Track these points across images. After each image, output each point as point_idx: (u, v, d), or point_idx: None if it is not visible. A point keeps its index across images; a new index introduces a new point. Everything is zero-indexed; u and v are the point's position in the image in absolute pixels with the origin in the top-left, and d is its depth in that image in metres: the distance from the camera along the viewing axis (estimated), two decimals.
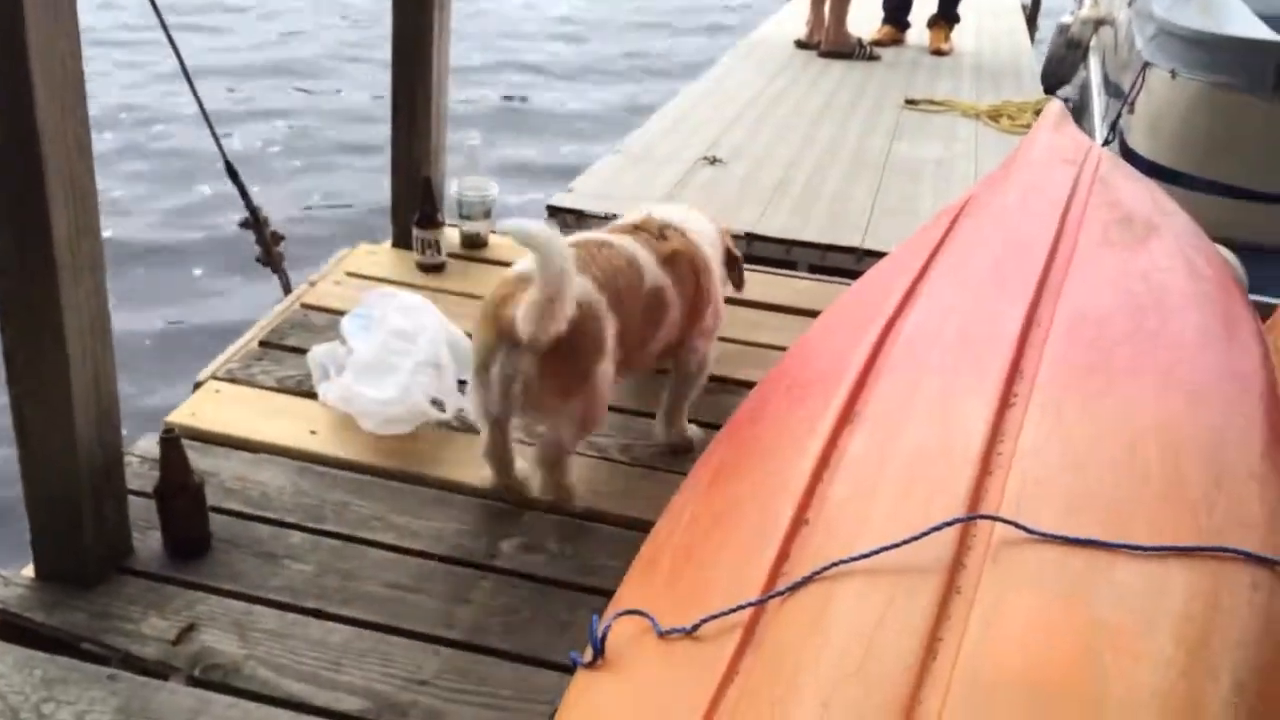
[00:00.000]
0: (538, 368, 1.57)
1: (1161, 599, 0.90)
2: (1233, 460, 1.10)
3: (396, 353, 1.90)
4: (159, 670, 1.39)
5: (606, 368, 1.66)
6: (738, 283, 2.07)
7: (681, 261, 1.83)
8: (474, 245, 2.62)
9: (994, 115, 4.27)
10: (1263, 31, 3.39)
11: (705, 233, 1.95)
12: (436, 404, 1.87)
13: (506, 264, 2.45)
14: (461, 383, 1.89)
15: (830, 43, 4.97)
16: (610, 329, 1.65)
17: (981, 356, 1.32)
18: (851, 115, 4.25)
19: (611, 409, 1.81)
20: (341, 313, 2.06)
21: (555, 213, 3.16)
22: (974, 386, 1.25)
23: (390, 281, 2.33)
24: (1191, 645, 0.86)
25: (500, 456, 1.73)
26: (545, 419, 1.70)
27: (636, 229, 1.85)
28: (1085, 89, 5.39)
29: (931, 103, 4.42)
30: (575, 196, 3.24)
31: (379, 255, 2.56)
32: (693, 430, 1.94)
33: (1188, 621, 0.88)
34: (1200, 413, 1.17)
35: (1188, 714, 0.81)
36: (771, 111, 4.26)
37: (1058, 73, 5.59)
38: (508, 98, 6.27)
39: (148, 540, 1.60)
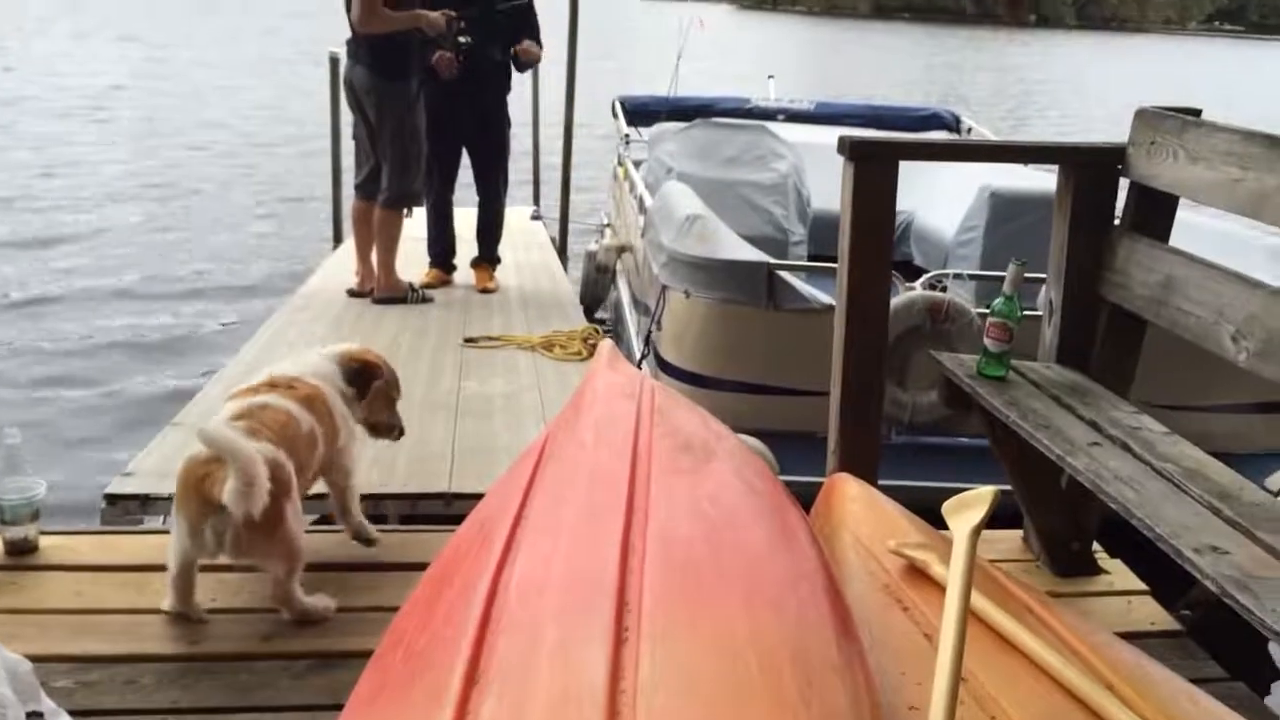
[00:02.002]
0: (244, 525, 1.97)
1: None
2: (815, 657, 1.27)
3: None
4: None
5: (295, 505, 2.11)
6: (361, 393, 2.45)
7: (317, 402, 2.29)
8: (21, 552, 2.35)
9: (548, 346, 4.61)
10: (751, 254, 4.02)
11: (324, 372, 2.38)
12: None
13: (63, 568, 2.25)
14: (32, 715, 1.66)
15: (383, 289, 5.14)
16: (291, 473, 2.09)
17: (590, 596, 1.41)
18: (417, 358, 4.38)
19: None
20: None
21: (116, 501, 2.91)
22: (588, 628, 1.33)
23: None
24: None
25: (185, 588, 2.12)
26: (255, 560, 2.12)
27: (272, 386, 2.26)
28: (619, 307, 6.01)
29: (489, 339, 4.69)
30: (138, 480, 3.00)
31: None
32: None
33: None
34: (783, 618, 1.34)
35: None
36: None
37: (592, 294, 6.22)
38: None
39: None
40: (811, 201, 5.64)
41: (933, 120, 7.55)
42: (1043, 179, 5.94)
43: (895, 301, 3.65)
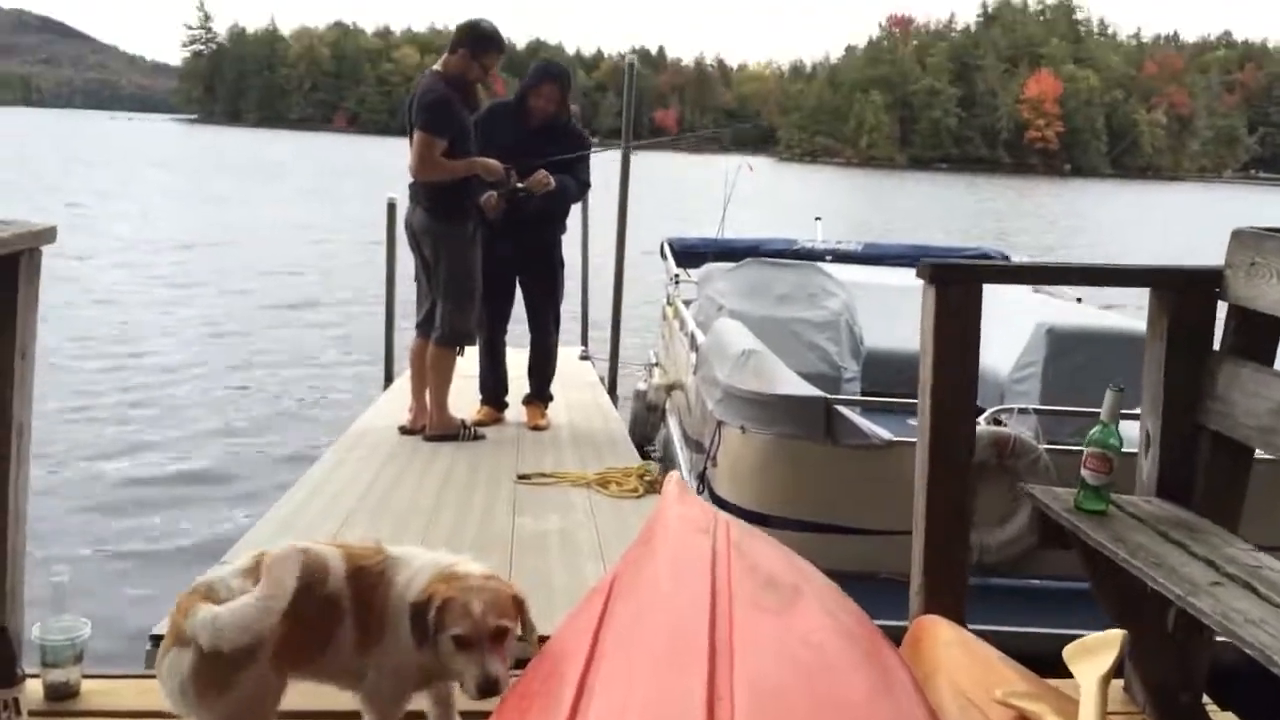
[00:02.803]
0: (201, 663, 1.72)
1: None
2: None
3: None
4: None
5: (262, 672, 1.76)
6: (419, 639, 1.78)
7: (368, 584, 1.85)
8: (62, 697, 2.23)
9: (603, 482, 4.51)
10: (807, 388, 3.94)
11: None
12: None
13: (104, 714, 2.13)
14: None
15: (435, 426, 5.09)
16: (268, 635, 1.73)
17: None
18: (470, 495, 4.30)
19: None
20: None
21: (161, 641, 2.79)
22: None
23: None
24: None
25: None
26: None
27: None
28: (669, 444, 5.91)
29: (543, 475, 4.59)
30: None
31: None
32: None
33: None
34: None
35: None
36: (389, 500, 4.21)
37: (641, 432, 6.13)
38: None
39: None
40: (864, 339, 5.58)
41: (981, 260, 7.54)
42: (1096, 315, 5.88)
43: None
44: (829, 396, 3.84)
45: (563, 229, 5.58)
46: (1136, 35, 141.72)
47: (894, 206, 39.93)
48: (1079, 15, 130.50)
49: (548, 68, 5.41)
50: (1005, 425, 3.81)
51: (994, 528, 3.59)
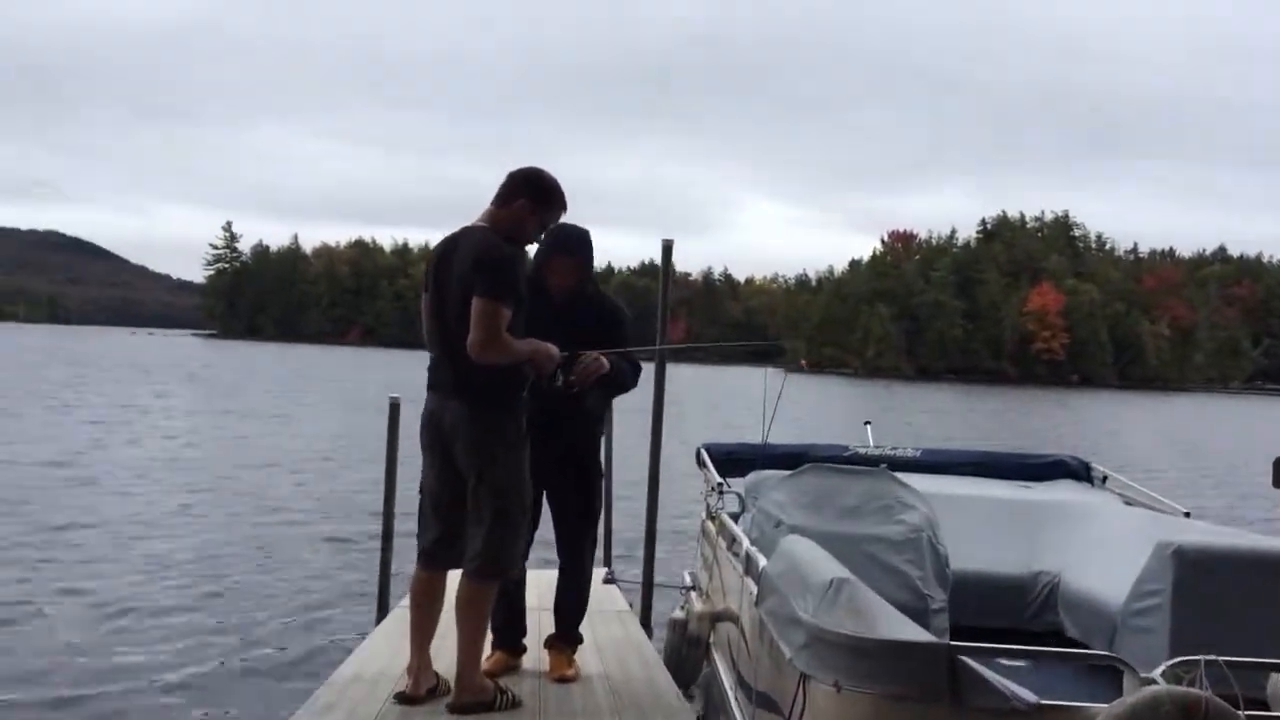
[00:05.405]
0: None
1: None
2: None
3: None
4: None
5: None
6: None
7: None
8: None
9: None
10: (920, 633, 3.05)
11: None
12: None
13: None
14: None
15: (465, 691, 3.97)
16: None
17: None
18: None
19: None
20: None
21: None
22: None
23: None
24: None
25: None
26: None
27: None
28: (717, 690, 4.92)
29: None
30: None
31: None
32: None
33: None
34: None
35: None
36: None
37: (679, 669, 5.10)
38: None
39: None
40: (950, 560, 4.70)
41: (1058, 468, 6.69)
42: (1231, 535, 4.99)
43: (1132, 701, 2.70)
44: (953, 644, 2.93)
45: (601, 430, 4.76)
46: (1134, 250, 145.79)
47: (907, 416, 39.41)
48: (1076, 231, 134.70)
49: (556, 239, 4.45)
50: (1188, 681, 2.90)
51: None
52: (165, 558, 9.32)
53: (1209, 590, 3.94)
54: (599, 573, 6.64)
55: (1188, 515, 5.43)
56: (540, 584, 4.74)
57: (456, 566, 4.02)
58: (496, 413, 3.93)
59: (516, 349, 3.87)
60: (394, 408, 6.04)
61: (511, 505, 3.95)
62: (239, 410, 26.14)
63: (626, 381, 4.50)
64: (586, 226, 4.58)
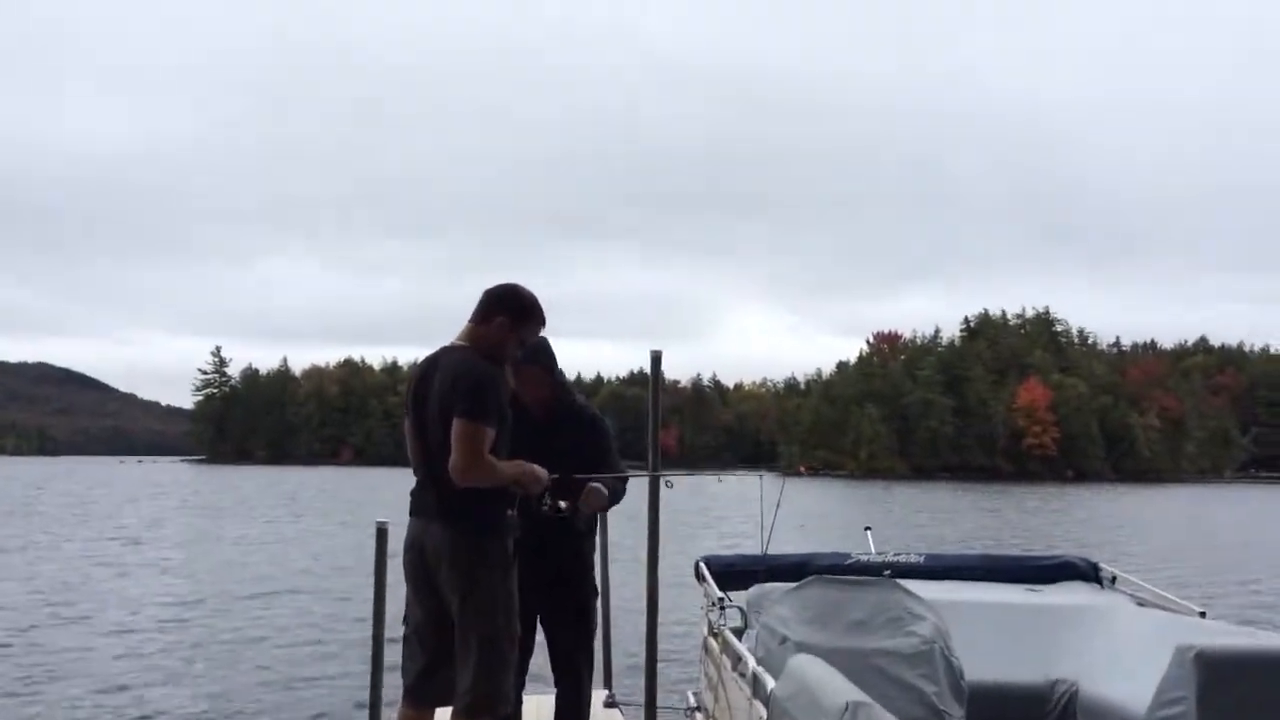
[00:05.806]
0: None
1: None
2: None
3: None
4: None
5: None
6: None
7: None
8: None
9: None
10: None
11: None
12: None
13: None
14: None
15: None
16: None
17: None
18: None
19: None
20: None
21: None
22: None
23: None
24: None
25: None
26: None
27: None
28: None
29: None
30: None
31: None
32: None
33: None
34: None
35: None
36: None
37: None
38: None
39: None
40: (965, 673, 4.51)
41: (1066, 570, 6.50)
42: (1247, 635, 4.82)
43: None
44: None
45: (593, 545, 4.62)
46: (1116, 343, 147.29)
47: (916, 514, 39.03)
48: (1058, 327, 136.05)
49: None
50: None
51: None
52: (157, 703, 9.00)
53: (1233, 695, 3.77)
54: (600, 695, 6.40)
55: (1203, 615, 5.26)
56: (540, 709, 4.53)
57: (445, 704, 3.82)
58: (480, 535, 3.79)
59: (501, 471, 3.75)
60: (381, 533, 5.87)
61: (499, 631, 3.77)
62: (229, 537, 25.68)
63: (618, 499, 4.41)
64: (573, 338, 4.60)
